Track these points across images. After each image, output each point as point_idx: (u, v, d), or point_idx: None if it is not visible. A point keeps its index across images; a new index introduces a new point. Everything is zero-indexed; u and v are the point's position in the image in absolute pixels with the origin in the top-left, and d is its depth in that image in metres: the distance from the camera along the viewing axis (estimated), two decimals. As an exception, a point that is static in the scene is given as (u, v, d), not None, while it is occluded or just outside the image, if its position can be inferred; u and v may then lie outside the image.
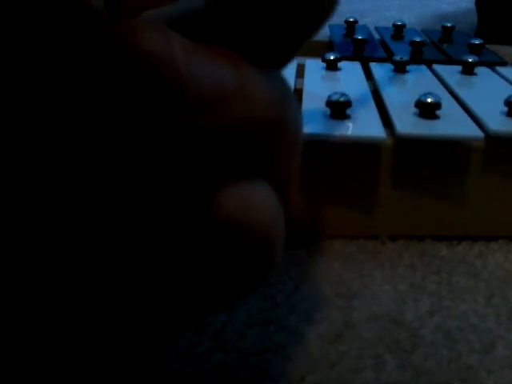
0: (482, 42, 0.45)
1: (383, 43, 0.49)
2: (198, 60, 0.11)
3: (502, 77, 0.38)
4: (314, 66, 0.38)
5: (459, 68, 0.38)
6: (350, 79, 0.36)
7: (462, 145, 0.28)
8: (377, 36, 0.52)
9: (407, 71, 0.38)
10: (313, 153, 0.28)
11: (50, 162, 0.11)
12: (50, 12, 0.11)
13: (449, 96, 0.33)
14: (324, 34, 0.52)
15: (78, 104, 0.11)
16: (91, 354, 0.13)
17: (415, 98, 0.29)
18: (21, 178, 0.11)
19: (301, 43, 0.13)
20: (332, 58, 0.37)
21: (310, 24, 0.13)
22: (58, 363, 0.13)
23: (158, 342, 0.14)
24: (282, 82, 0.13)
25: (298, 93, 0.32)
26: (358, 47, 0.44)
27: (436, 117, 0.29)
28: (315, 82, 0.35)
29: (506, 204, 0.30)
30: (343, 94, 0.29)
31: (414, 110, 0.29)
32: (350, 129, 0.28)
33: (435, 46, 0.48)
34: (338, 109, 0.29)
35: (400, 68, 0.38)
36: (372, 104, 0.31)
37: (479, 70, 0.39)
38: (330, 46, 0.50)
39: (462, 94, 0.34)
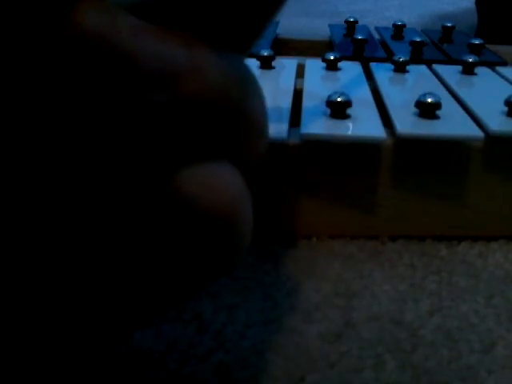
0: (482, 41, 0.45)
1: (383, 43, 0.49)
2: (149, 39, 0.12)
3: (502, 77, 0.38)
4: (314, 66, 0.38)
5: (459, 68, 0.38)
6: (350, 79, 0.36)
7: (462, 145, 0.28)
8: (377, 36, 0.52)
9: (407, 71, 0.38)
10: (312, 153, 0.28)
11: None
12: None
13: (449, 96, 0.33)
14: (324, 33, 0.52)
15: (37, 88, 0.11)
16: (84, 351, 0.13)
17: (415, 97, 0.29)
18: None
19: (258, 28, 0.13)
20: (332, 57, 0.37)
21: (265, 6, 0.13)
22: (56, 363, 0.13)
23: (123, 335, 0.14)
24: (243, 66, 0.14)
25: (299, 93, 0.32)
26: (358, 47, 0.44)
27: (436, 117, 0.29)
28: (315, 82, 0.35)
29: (506, 204, 0.30)
30: (343, 94, 0.29)
31: (414, 109, 0.29)
32: (350, 129, 0.28)
33: (435, 46, 0.48)
34: (338, 109, 0.29)
35: (400, 68, 0.38)
36: (372, 104, 0.31)
37: (479, 69, 0.39)
38: (330, 45, 0.50)
39: (462, 93, 0.34)
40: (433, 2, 0.96)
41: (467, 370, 0.21)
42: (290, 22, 0.48)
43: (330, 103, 0.29)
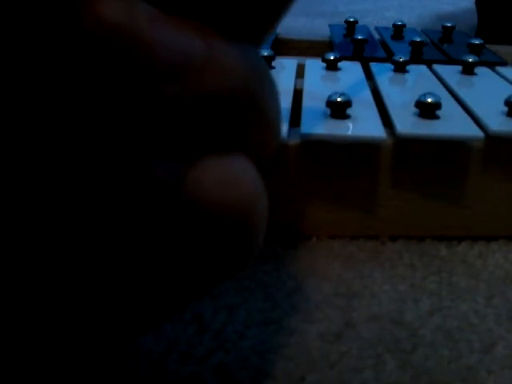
0: (482, 41, 0.45)
1: (383, 43, 0.49)
2: (165, 29, 0.11)
3: (502, 77, 0.38)
4: (314, 66, 0.38)
5: (459, 68, 0.38)
6: (350, 79, 0.36)
7: (462, 145, 0.28)
8: (377, 36, 0.52)
9: (407, 71, 0.38)
10: (313, 153, 0.28)
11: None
12: None
13: (449, 96, 0.33)
14: (324, 33, 0.52)
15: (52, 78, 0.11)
16: (88, 353, 0.13)
17: (415, 97, 0.29)
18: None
19: (273, 19, 0.13)
20: (332, 57, 0.37)
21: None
22: (56, 363, 0.13)
23: (137, 334, 0.14)
24: (258, 58, 0.13)
25: (299, 93, 0.32)
26: (358, 47, 0.44)
27: (436, 117, 0.29)
28: (315, 82, 0.35)
29: (506, 204, 0.30)
30: (343, 94, 0.29)
31: (414, 109, 0.29)
32: (350, 129, 0.28)
33: (435, 46, 0.48)
34: (338, 109, 0.29)
35: (400, 68, 0.38)
36: (372, 104, 0.31)
37: (479, 69, 0.39)
38: (330, 45, 0.50)
39: (462, 93, 0.34)
40: (433, 1, 0.96)
41: (467, 370, 0.21)
42: (289, 22, 0.48)
43: (330, 103, 0.29)
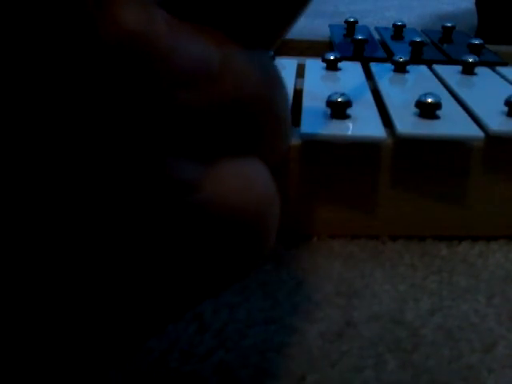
0: (482, 42, 0.45)
1: (383, 43, 0.49)
2: (183, 36, 0.11)
3: (502, 77, 0.38)
4: (314, 66, 0.38)
5: (459, 68, 0.38)
6: (351, 79, 0.36)
7: (462, 145, 0.28)
8: (377, 36, 0.52)
9: (407, 71, 0.38)
10: (313, 153, 0.28)
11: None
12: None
13: (449, 96, 0.33)
14: (324, 34, 0.52)
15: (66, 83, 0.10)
16: (89, 353, 0.13)
17: (415, 98, 0.29)
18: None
19: (286, 25, 0.13)
20: (332, 58, 0.37)
21: (293, 5, 0.13)
22: (57, 363, 0.13)
23: (150, 334, 0.14)
24: (269, 63, 0.13)
25: (299, 93, 0.33)
26: (358, 47, 0.44)
27: (436, 117, 0.29)
28: (315, 82, 0.35)
29: (506, 204, 0.30)
30: (343, 94, 0.29)
31: (415, 110, 0.29)
32: (351, 129, 0.28)
33: (435, 46, 0.48)
34: (339, 109, 0.29)
35: (400, 68, 0.38)
36: (372, 104, 0.31)
37: (479, 70, 0.39)
38: (330, 46, 0.50)
39: (462, 94, 0.34)
40: (433, 2, 0.96)
41: (468, 370, 0.21)
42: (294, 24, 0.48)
43: (330, 103, 0.29)
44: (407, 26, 0.52)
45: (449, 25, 0.51)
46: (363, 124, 0.29)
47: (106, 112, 0.11)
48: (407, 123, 0.29)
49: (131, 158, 0.11)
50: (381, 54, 0.45)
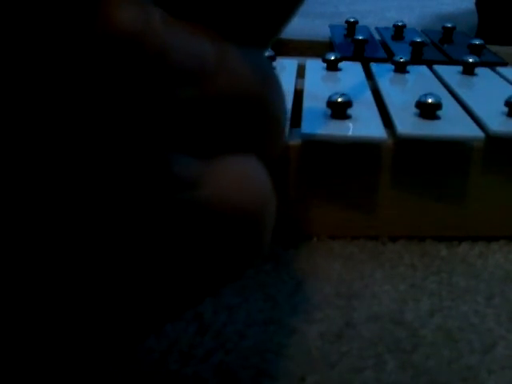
0: (482, 42, 0.45)
1: (384, 43, 0.49)
2: (179, 34, 0.11)
3: (503, 77, 0.38)
4: (314, 67, 0.38)
5: (459, 68, 0.38)
6: (351, 79, 0.36)
7: (462, 145, 0.28)
8: (377, 36, 0.52)
9: (408, 71, 0.38)
10: (313, 153, 0.28)
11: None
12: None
13: (449, 96, 0.33)
14: (324, 34, 0.52)
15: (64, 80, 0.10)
16: (89, 353, 0.13)
17: (416, 98, 0.29)
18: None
19: (280, 24, 0.13)
20: (332, 58, 0.37)
21: (287, 3, 0.13)
22: (57, 363, 0.13)
23: (148, 332, 0.14)
24: (265, 62, 0.14)
25: (299, 93, 0.32)
26: (359, 47, 0.44)
27: (436, 117, 0.29)
28: (316, 83, 0.35)
29: (506, 204, 0.30)
30: (344, 95, 0.29)
31: (415, 110, 0.29)
32: (351, 129, 0.28)
33: (435, 47, 0.48)
34: (339, 109, 0.29)
35: (400, 68, 0.38)
36: (373, 104, 0.31)
37: (479, 70, 0.39)
38: (330, 46, 0.50)
39: (463, 94, 0.34)
40: (433, 2, 0.96)
41: (467, 370, 0.21)
42: (290, 23, 0.48)
43: (331, 103, 0.29)
44: (407, 27, 0.52)
45: (449, 25, 0.51)
46: (363, 124, 0.29)
47: (105, 110, 0.11)
48: (407, 123, 0.29)
49: (131, 155, 0.11)
50: (381, 54, 0.45)
